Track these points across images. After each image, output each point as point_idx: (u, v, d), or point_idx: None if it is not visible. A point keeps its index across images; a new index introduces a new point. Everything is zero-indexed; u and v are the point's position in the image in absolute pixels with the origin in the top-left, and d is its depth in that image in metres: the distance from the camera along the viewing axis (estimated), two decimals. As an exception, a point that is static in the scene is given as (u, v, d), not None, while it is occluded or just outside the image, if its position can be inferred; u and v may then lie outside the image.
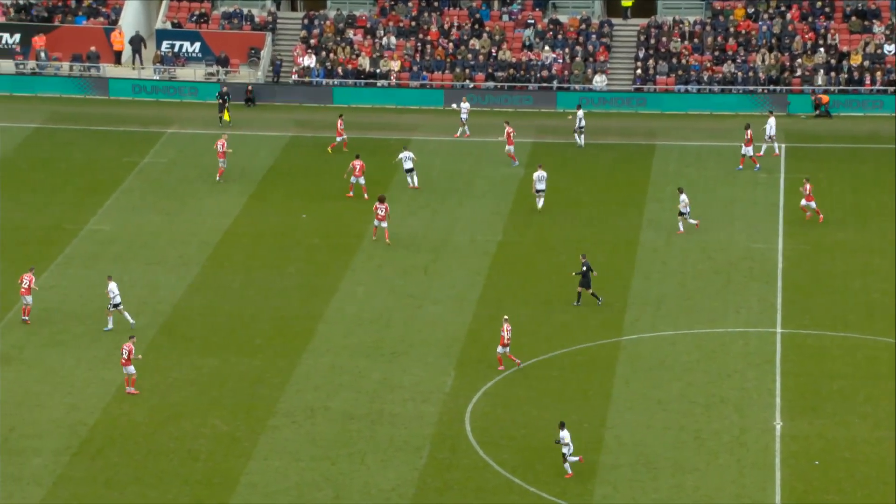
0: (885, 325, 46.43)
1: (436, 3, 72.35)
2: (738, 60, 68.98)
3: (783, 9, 70.92)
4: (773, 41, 69.71)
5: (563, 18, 71.56)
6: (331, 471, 38.84)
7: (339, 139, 61.45)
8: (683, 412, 41.68)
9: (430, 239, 53.37)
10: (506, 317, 44.33)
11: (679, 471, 38.90)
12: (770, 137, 60.99)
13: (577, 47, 70.00)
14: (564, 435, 38.02)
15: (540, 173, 55.84)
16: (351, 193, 56.51)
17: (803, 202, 54.03)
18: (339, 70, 69.68)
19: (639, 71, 68.94)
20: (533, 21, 71.17)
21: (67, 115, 66.75)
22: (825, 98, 66.27)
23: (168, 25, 72.02)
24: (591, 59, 69.65)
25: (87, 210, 55.60)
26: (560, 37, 70.56)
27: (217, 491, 38.03)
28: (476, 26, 71.28)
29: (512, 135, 60.01)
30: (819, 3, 70.80)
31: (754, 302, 48.43)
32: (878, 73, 67.76)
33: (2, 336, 45.89)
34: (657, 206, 56.34)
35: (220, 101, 65.15)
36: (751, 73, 68.32)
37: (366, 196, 56.22)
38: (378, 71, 69.62)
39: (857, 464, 39.09)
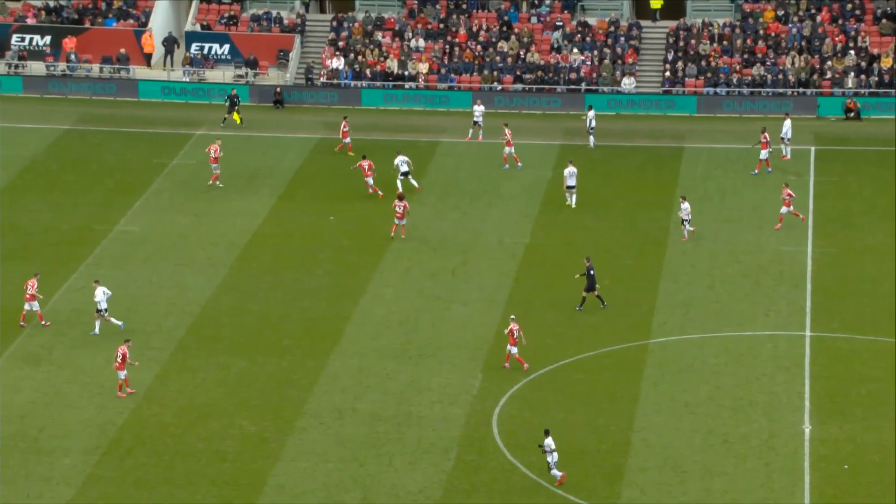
0: (915, 329, 46.24)
1: (464, 6, 72.37)
2: (768, 63, 68.76)
3: (813, 11, 70.64)
4: (803, 43, 69.45)
5: (592, 20, 71.48)
6: (358, 472, 38.88)
7: (345, 141, 61.40)
8: (711, 415, 41.54)
9: (458, 241, 53.38)
10: (513, 316, 44.34)
11: (707, 474, 38.77)
12: (785, 139, 60.73)
13: (606, 49, 69.90)
14: (549, 442, 37.73)
15: (570, 169, 56.02)
16: (379, 192, 56.51)
17: (783, 209, 53.42)
18: (368, 72, 69.78)
19: (667, 73, 68.79)
20: (561, 23, 71.10)
21: (97, 116, 67.07)
22: (854, 104, 65.95)
23: (197, 27, 72.29)
24: (619, 62, 69.55)
25: (116, 211, 55.85)
26: (588, 39, 70.48)
27: (245, 492, 38.13)
28: (504, 28, 71.28)
29: (510, 136, 59.91)
30: (849, 6, 70.50)
31: (783, 305, 48.25)
32: (909, 76, 67.46)
33: (31, 337, 46.14)
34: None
35: (229, 102, 65.34)
36: (780, 76, 68.08)
37: (380, 194, 56.11)
38: (406, 73, 69.70)
39: (887, 468, 38.88)
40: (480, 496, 37.94)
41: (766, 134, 59.10)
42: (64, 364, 44.44)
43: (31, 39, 71.84)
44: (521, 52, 70.02)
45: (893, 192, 57.59)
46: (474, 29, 71.24)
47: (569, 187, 56.00)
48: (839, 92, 67.34)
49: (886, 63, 68.05)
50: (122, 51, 70.86)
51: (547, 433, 37.92)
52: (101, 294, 45.81)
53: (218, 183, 57.42)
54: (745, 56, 69.27)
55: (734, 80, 68.27)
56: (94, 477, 38.59)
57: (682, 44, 69.93)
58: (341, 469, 38.91)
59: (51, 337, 46.00)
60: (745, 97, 67.57)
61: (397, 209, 52.53)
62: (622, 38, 70.46)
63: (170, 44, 71.34)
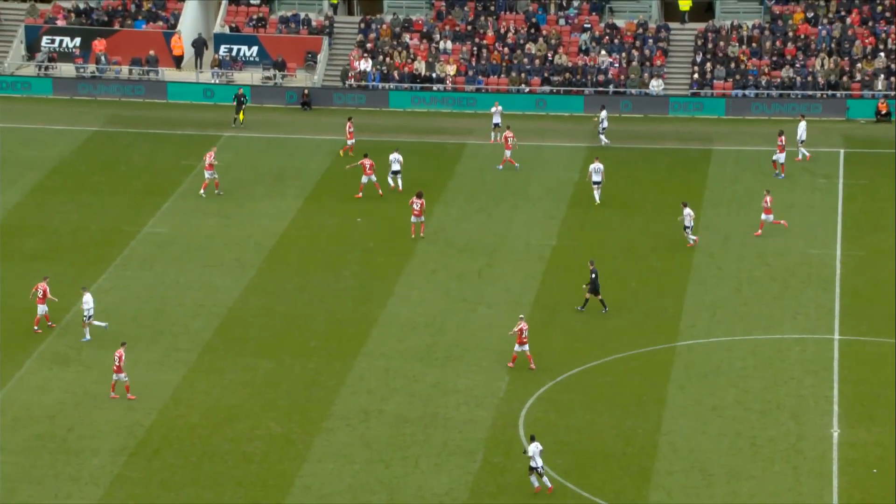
0: (944, 333, 45.95)
1: (492, 8, 72.36)
2: (797, 65, 68.46)
3: (843, 13, 70.32)
4: (833, 45, 69.13)
5: (620, 23, 71.34)
6: (384, 474, 38.90)
7: (349, 142, 61.36)
8: (739, 419, 41.40)
9: (484, 243, 53.36)
10: (521, 315, 44.34)
11: (734, 478, 38.64)
12: (800, 141, 60.46)
13: (634, 51, 69.76)
14: (533, 448, 37.48)
15: (596, 165, 56.20)
16: (379, 191, 56.60)
17: (763, 216, 52.95)
18: (395, 74, 69.84)
19: (696, 75, 68.59)
20: (589, 25, 71.00)
21: (126, 118, 67.35)
22: (885, 106, 65.64)
23: (226, 29, 72.51)
24: (647, 64, 69.39)
25: (145, 212, 56.06)
26: (617, 41, 70.34)
27: (271, 493, 38.21)
28: (532, 30, 71.22)
29: (510, 139, 59.75)
30: (879, 8, 70.13)
31: (812, 308, 48.04)
32: (940, 78, 67.08)
33: (60, 337, 46.35)
34: (713, 211, 56.02)
35: (237, 102, 65.47)
36: (809, 78, 67.79)
37: (380, 192, 56.42)
38: (434, 75, 69.72)
39: (916, 473, 38.69)
40: (506, 498, 37.90)
41: (782, 137, 58.84)
42: (92, 365, 44.62)
43: (61, 41, 72.20)
44: (549, 54, 69.94)
45: (923, 195, 57.34)
46: (502, 31, 71.22)
47: (595, 183, 56.15)
48: (869, 94, 67.01)
49: (916, 65, 67.73)
50: (152, 52, 71.14)
51: (532, 438, 37.72)
52: (89, 301, 45.46)
53: (202, 193, 56.75)
54: (774, 58, 69.00)
55: (763, 83, 68.01)
56: (122, 477, 38.73)
57: (710, 46, 69.72)
58: (367, 470, 38.94)
59: (79, 338, 46.16)
60: (774, 99, 67.31)
61: (414, 207, 52.66)
62: (650, 40, 70.29)
63: (199, 45, 71.57)
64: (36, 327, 46.27)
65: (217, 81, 70.34)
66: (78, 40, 72.08)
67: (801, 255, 52.01)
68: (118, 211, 56.37)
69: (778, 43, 69.55)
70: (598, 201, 56.06)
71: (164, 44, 71.74)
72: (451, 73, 69.62)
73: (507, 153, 59.90)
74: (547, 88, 68.83)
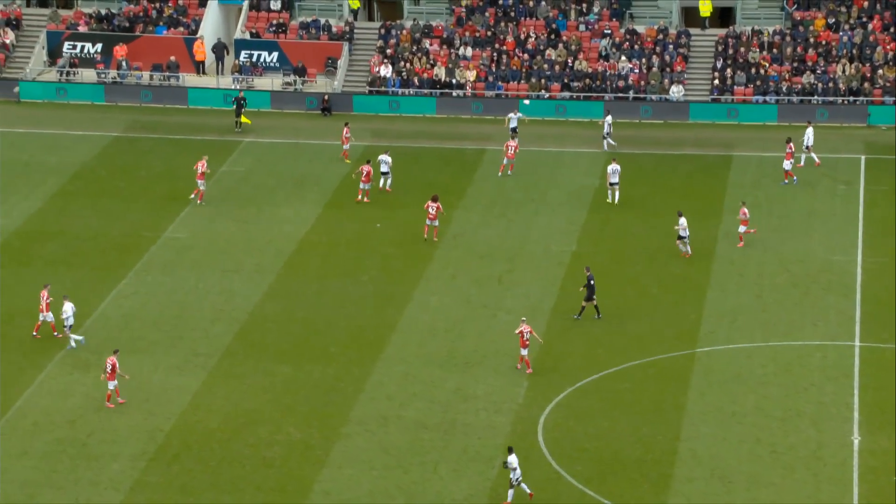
0: (966, 340, 45.72)
1: (512, 14, 72.36)
2: (818, 71, 68.27)
3: (864, 19, 70.09)
4: (854, 51, 68.92)
5: (641, 28, 71.26)
6: (403, 480, 38.89)
7: (345, 147, 61.28)
8: (759, 426, 41.27)
9: (504, 249, 53.33)
10: (524, 318, 44.38)
11: (754, 485, 38.51)
12: (807, 147, 60.24)
13: (654, 57, 69.67)
14: (512, 459, 37.31)
15: (614, 166, 56.36)
16: (360, 198, 56.64)
17: (740, 228, 52.53)
18: (415, 80, 69.90)
19: (716, 81, 68.47)
20: (610, 31, 70.93)
21: (147, 123, 67.56)
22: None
23: (247, 35, 72.69)
24: (667, 70, 69.30)
25: (165, 218, 56.21)
26: (637, 47, 70.26)
27: (290, 498, 38.24)
28: (552, 36, 71.20)
29: (511, 147, 59.45)
30: (901, 13, 69.97)
31: (832, 315, 47.86)
32: (962, 84, 66.80)
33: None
34: (734, 218, 55.83)
35: (236, 105, 65.55)
36: (830, 84, 67.59)
37: (367, 199, 56.67)
38: (454, 81, 69.75)
39: (937, 480, 38.50)
40: (525, 505, 37.88)
41: (791, 144, 58.62)
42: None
43: (83, 47, 72.47)
44: (569, 60, 69.90)
45: (945, 202, 57.08)
46: (522, 37, 71.21)
47: (611, 184, 56.18)
48: (890, 100, 66.77)
49: (938, 71, 67.45)
50: (173, 58, 71.35)
51: (510, 450, 37.57)
52: (69, 310, 45.28)
53: (199, 201, 56.78)
54: (795, 64, 68.82)
55: (784, 89, 67.84)
56: (142, 482, 38.81)
57: (731, 52, 69.59)
58: (386, 476, 38.93)
59: (100, 343, 46.29)
60: (795, 105, 67.09)
61: (430, 210, 52.73)
62: (671, 46, 70.20)
63: (220, 50, 71.79)
64: (35, 333, 46.28)
65: (237, 87, 70.47)
66: (99, 46, 72.34)
67: (822, 262, 51.83)
68: (138, 216, 56.53)
69: (799, 49, 69.36)
70: (615, 202, 56.23)
71: (185, 49, 71.95)
72: (471, 78, 69.64)
73: (505, 161, 59.73)
74: (567, 94, 68.78)
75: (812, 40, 69.62)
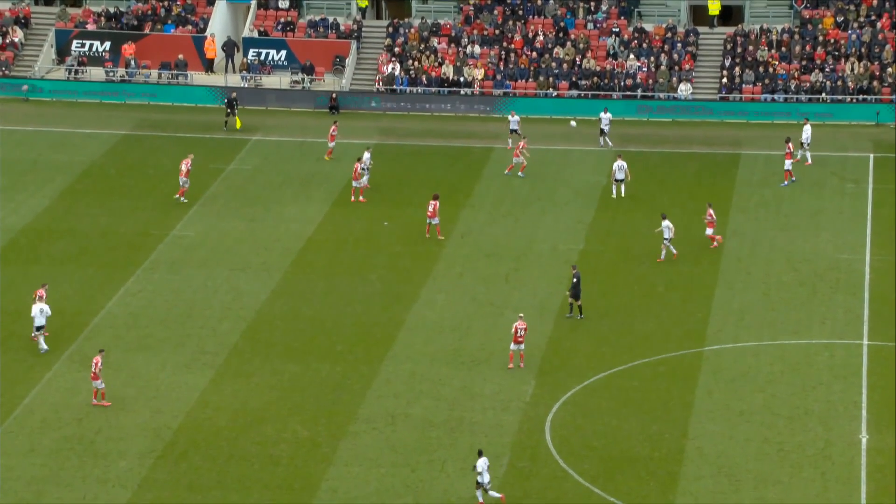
0: (975, 339, 45.61)
1: (520, 12, 72.33)
2: (827, 69, 68.16)
3: (873, 17, 69.96)
4: (863, 50, 68.79)
5: (649, 27, 71.19)
6: (410, 478, 38.88)
7: (330, 145, 61.14)
8: (767, 424, 41.21)
9: (511, 247, 53.31)
10: (521, 314, 44.43)
11: (762, 483, 38.45)
12: (805, 145, 60.11)
13: (663, 56, 69.59)
14: (480, 463, 37.16)
15: (619, 163, 56.52)
16: (359, 198, 56.60)
17: (708, 230, 52.19)
18: (423, 78, 69.89)
19: (724, 80, 68.39)
20: (618, 29, 70.86)
21: (155, 121, 67.62)
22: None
23: (255, 34, 72.73)
24: (676, 68, 69.22)
25: (173, 216, 56.24)
26: (645, 45, 70.19)
27: (298, 496, 38.25)
28: (560, 34, 71.15)
29: (521, 148, 59.28)
30: (910, 11, 69.83)
31: (840, 313, 47.78)
32: (971, 82, 66.64)
33: (89, 340, 46.53)
34: (742, 216, 55.83)
35: (228, 105, 65.56)
36: (839, 83, 67.47)
37: (361, 199, 56.50)
38: (462, 79, 69.73)
39: (945, 479, 38.42)
40: (532, 502, 37.81)
41: (790, 144, 58.49)
42: (120, 367, 44.76)
43: (91, 45, 72.55)
44: (577, 59, 69.85)
45: (954, 200, 56.96)
46: (530, 35, 71.17)
47: (617, 180, 56.22)
48: (899, 99, 66.67)
49: (947, 69, 67.31)
50: (181, 56, 71.40)
51: (480, 454, 37.47)
52: (37, 311, 44.91)
53: (182, 199, 56.63)
54: (804, 62, 68.71)
55: (792, 87, 67.74)
56: (149, 480, 38.84)
57: (739, 50, 69.50)
58: (393, 474, 38.93)
59: (108, 341, 46.35)
60: (804, 104, 66.98)
61: (429, 208, 52.73)
62: (679, 45, 70.12)
63: (230, 48, 71.88)
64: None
65: (246, 85, 70.52)
66: (108, 44, 72.42)
67: (830, 260, 51.74)
68: (146, 214, 56.57)
69: (807, 47, 69.25)
70: (621, 196, 56.22)
71: (194, 48, 72.01)
72: (479, 77, 69.60)
73: (517, 160, 59.45)
74: (575, 93, 68.74)
75: (821, 38, 69.50)
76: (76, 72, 71.69)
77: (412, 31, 71.87)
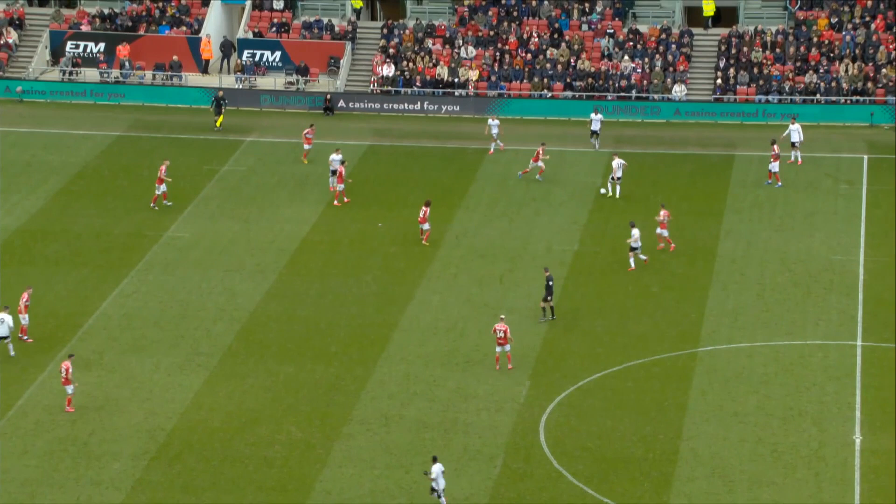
0: (968, 340, 45.65)
1: (515, 13, 72.33)
2: (821, 71, 68.21)
3: (868, 19, 70.02)
4: (857, 51, 68.85)
5: (643, 28, 71.21)
6: (404, 479, 38.86)
7: (306, 147, 60.97)
8: (761, 425, 41.22)
9: (506, 248, 53.31)
10: (502, 316, 44.45)
11: (756, 484, 38.47)
12: (796, 144, 60.09)
13: (657, 57, 69.62)
14: (435, 469, 37.00)
15: (619, 161, 56.67)
16: (336, 201, 56.60)
17: (658, 230, 51.81)
18: (418, 79, 69.87)
19: (719, 81, 68.42)
20: (612, 31, 70.89)
21: (149, 123, 67.57)
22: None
23: (249, 35, 72.70)
24: (670, 69, 69.25)
25: (167, 217, 56.20)
26: (640, 46, 70.21)
27: (292, 497, 38.22)
28: (555, 36, 71.16)
29: (541, 153, 58.97)
30: (904, 13, 69.88)
31: (834, 314, 47.81)
32: (965, 83, 66.69)
33: (83, 342, 46.49)
34: (736, 217, 55.87)
35: (215, 104, 65.50)
36: (833, 84, 67.53)
37: (346, 199, 56.47)
38: (456, 80, 69.73)
39: (939, 480, 38.44)
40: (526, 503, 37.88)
41: (776, 146, 58.46)
42: (114, 369, 44.74)
43: (86, 46, 72.49)
44: (572, 60, 69.86)
45: (948, 201, 57.00)
46: (525, 36, 71.17)
47: (615, 178, 56.41)
48: (893, 100, 66.69)
49: (941, 70, 67.36)
50: (175, 58, 71.37)
51: (434, 460, 37.37)
52: (8, 320, 44.41)
53: (153, 205, 56.30)
54: (798, 64, 68.75)
55: (787, 88, 67.78)
56: (143, 482, 38.81)
57: (734, 51, 69.53)
58: (387, 476, 38.91)
59: (102, 342, 46.33)
60: (798, 105, 67.03)
61: (420, 214, 52.71)
62: (674, 46, 70.14)
63: (227, 48, 71.86)
64: (24, 336, 46.01)
65: (240, 86, 70.48)
66: (102, 45, 72.36)
67: (824, 261, 51.77)
68: (141, 215, 56.52)
69: (802, 48, 69.29)
70: (614, 194, 56.18)
71: (188, 49, 71.96)
72: (474, 78, 69.62)
73: (536, 164, 59.09)
74: (569, 94, 68.75)
75: (815, 40, 69.55)
76: (70, 73, 71.64)
77: (407, 32, 71.87)
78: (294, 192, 58.93)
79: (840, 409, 41.99)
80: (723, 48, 69.84)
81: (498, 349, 43.99)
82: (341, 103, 68.88)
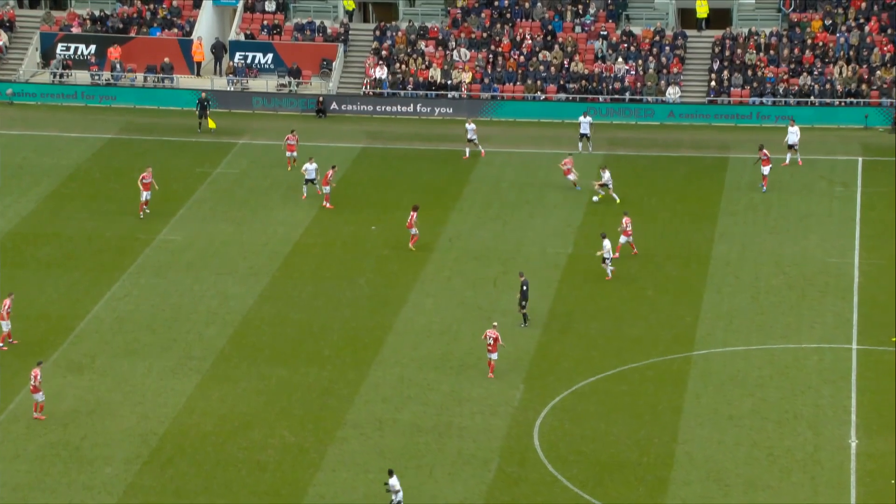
0: (964, 342, 45.54)
1: (508, 15, 72.18)
2: (815, 73, 68.12)
3: (862, 20, 69.96)
4: (851, 53, 68.77)
5: (637, 30, 71.09)
6: (399, 483, 38.63)
7: (288, 154, 60.42)
8: (756, 428, 41.08)
9: (500, 251, 53.13)
10: (495, 323, 44.36)
11: (751, 488, 38.32)
12: (794, 147, 59.97)
13: (651, 59, 69.49)
14: (393, 482, 36.72)
15: (607, 175, 56.58)
16: (325, 203, 56.38)
17: (622, 238, 51.32)
18: (410, 81, 69.69)
19: (713, 83, 68.31)
20: (606, 33, 70.76)
21: (141, 125, 67.33)
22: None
23: (241, 37, 72.48)
24: (664, 71, 69.13)
25: (159, 220, 55.97)
26: (633, 48, 70.09)
27: (285, 501, 38.02)
28: (548, 38, 71.02)
29: (568, 166, 58.50)
30: (898, 15, 69.81)
31: (829, 317, 47.69)
32: (958, 86, 66.63)
33: (75, 345, 46.26)
34: (730, 220, 55.74)
35: (199, 107, 65.30)
36: (828, 86, 67.44)
37: (326, 205, 56.09)
38: (449, 82, 69.56)
39: (935, 484, 38.32)
40: (521, 508, 37.67)
41: (765, 151, 58.27)
42: (106, 372, 44.51)
43: (77, 48, 72.24)
44: (565, 62, 69.72)
45: (942, 204, 56.91)
46: (518, 38, 71.02)
47: (604, 185, 56.32)
48: (888, 102, 66.63)
49: (935, 72, 67.31)
50: (167, 60, 71.13)
51: (391, 473, 37.06)
52: None
53: (141, 213, 55.68)
54: (792, 66, 68.67)
55: (780, 90, 67.69)
56: (135, 486, 38.59)
57: (727, 53, 69.43)
58: (381, 479, 38.66)
59: (93, 345, 46.11)
60: (792, 107, 66.92)
61: (408, 220, 52.46)
62: (667, 48, 70.04)
63: (218, 50, 71.66)
64: (1, 343, 45.76)
65: (232, 88, 70.27)
66: (93, 48, 72.11)
67: (819, 264, 51.66)
68: (133, 218, 56.28)
69: (796, 50, 69.21)
70: (601, 195, 56.15)
71: (180, 51, 71.72)
72: (467, 80, 69.45)
73: (571, 177, 58.37)
74: (563, 96, 68.61)
75: (809, 42, 69.46)
76: (61, 75, 71.36)
77: (399, 34, 71.69)
78: (287, 194, 58.71)
79: (836, 413, 41.86)
80: (716, 50, 69.74)
81: (489, 356, 43.77)
82: (333, 105, 68.76)
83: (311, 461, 39.72)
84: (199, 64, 71.55)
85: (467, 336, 46.56)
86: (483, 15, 72.15)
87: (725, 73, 68.41)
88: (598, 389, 43.32)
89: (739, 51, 69.34)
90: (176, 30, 73.08)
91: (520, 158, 62.07)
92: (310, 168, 57.23)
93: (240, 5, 73.40)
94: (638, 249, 52.69)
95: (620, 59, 69.46)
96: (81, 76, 71.33)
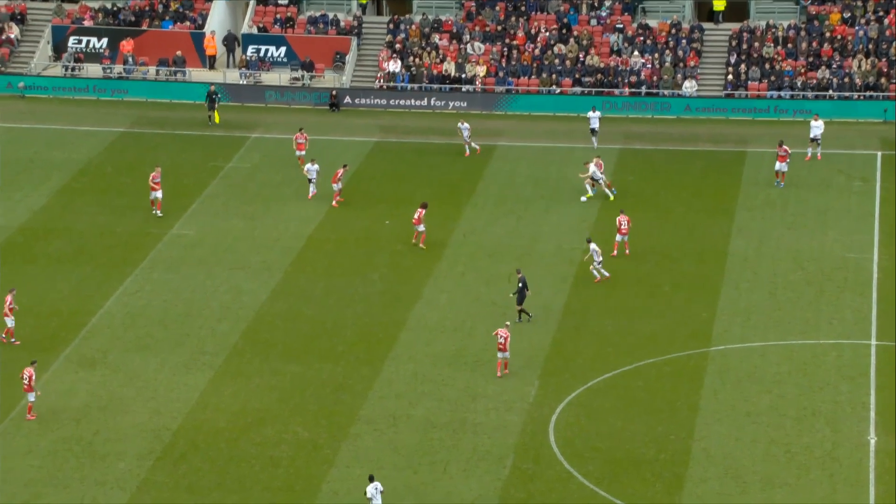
0: (984, 339, 45.09)
1: (523, 8, 71.78)
2: (834, 66, 67.59)
3: (881, 13, 69.41)
4: (870, 46, 68.23)
5: (653, 23, 70.64)
6: (412, 480, 38.38)
7: (298, 153, 59.79)
8: (774, 425, 40.70)
9: (514, 246, 52.77)
10: (507, 323, 43.99)
11: (769, 485, 37.96)
12: (816, 141, 59.46)
13: (667, 52, 69.04)
14: (370, 489, 36.25)
15: (594, 167, 56.00)
16: (334, 202, 55.94)
17: (618, 237, 50.76)
18: (425, 74, 69.32)
19: (730, 76, 67.82)
20: (622, 26, 70.32)
21: (153, 119, 67.10)
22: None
23: (254, 30, 72.19)
24: (681, 65, 68.66)
25: (171, 214, 55.70)
26: (649, 42, 69.62)
27: (298, 498, 37.77)
28: (563, 31, 70.60)
29: (596, 165, 57.92)
30: (917, 8, 69.28)
31: (848, 313, 47.26)
32: (977, 79, 66.09)
33: (87, 340, 46.04)
34: (748, 215, 55.32)
35: (209, 100, 64.99)
36: (846, 79, 66.92)
37: (334, 203, 55.67)
38: (463, 76, 69.19)
39: (956, 482, 37.89)
40: (537, 506, 37.35)
41: (784, 147, 57.74)
42: (119, 368, 44.29)
43: (88, 42, 72.01)
44: (581, 55, 69.29)
45: (961, 198, 56.43)
46: (533, 31, 70.61)
47: (602, 181, 56.03)
48: (905, 95, 66.15)
49: (954, 66, 66.78)
50: (179, 53, 70.88)
51: (371, 479, 36.63)
52: None
53: (159, 212, 55.02)
54: (811, 59, 68.15)
55: (799, 84, 67.16)
56: (148, 482, 38.37)
57: (745, 46, 68.94)
58: (395, 476, 38.42)
59: (106, 341, 45.89)
60: (810, 101, 66.43)
61: (415, 215, 52.00)
62: (684, 41, 69.55)
63: (231, 43, 71.42)
64: (2, 337, 45.45)
65: (245, 82, 70.01)
66: (105, 41, 71.87)
67: (838, 260, 51.22)
68: (145, 213, 56.02)
69: (814, 44, 68.70)
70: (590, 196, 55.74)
71: (192, 44, 71.47)
72: (481, 73, 69.06)
73: (601, 179, 57.76)
74: (578, 90, 68.19)
75: (827, 35, 68.95)
76: (73, 69, 71.15)
77: (413, 27, 71.32)
78: (300, 189, 58.39)
79: (854, 410, 41.46)
80: (734, 43, 69.25)
81: (499, 355, 43.39)
82: (347, 99, 68.43)
83: (324, 457, 39.44)
84: (211, 57, 71.29)
85: (481, 332, 46.21)
86: (497, 8, 71.77)
87: (743, 66, 67.92)
88: (614, 385, 42.98)
89: (757, 44, 68.84)
90: (188, 23, 72.83)
91: (534, 153, 61.68)
92: (311, 169, 56.86)
93: (253, -2, 73.17)
94: (654, 245, 52.30)
95: (636, 53, 69.00)
96: (93, 69, 71.11)
